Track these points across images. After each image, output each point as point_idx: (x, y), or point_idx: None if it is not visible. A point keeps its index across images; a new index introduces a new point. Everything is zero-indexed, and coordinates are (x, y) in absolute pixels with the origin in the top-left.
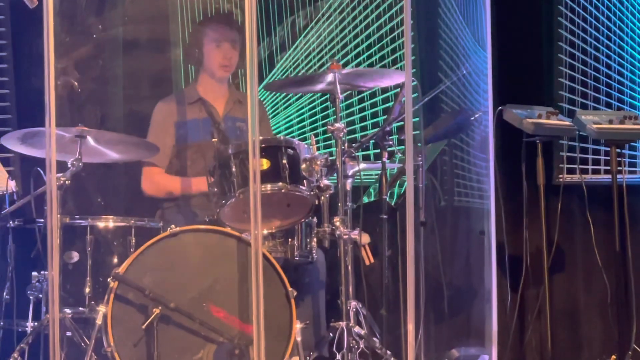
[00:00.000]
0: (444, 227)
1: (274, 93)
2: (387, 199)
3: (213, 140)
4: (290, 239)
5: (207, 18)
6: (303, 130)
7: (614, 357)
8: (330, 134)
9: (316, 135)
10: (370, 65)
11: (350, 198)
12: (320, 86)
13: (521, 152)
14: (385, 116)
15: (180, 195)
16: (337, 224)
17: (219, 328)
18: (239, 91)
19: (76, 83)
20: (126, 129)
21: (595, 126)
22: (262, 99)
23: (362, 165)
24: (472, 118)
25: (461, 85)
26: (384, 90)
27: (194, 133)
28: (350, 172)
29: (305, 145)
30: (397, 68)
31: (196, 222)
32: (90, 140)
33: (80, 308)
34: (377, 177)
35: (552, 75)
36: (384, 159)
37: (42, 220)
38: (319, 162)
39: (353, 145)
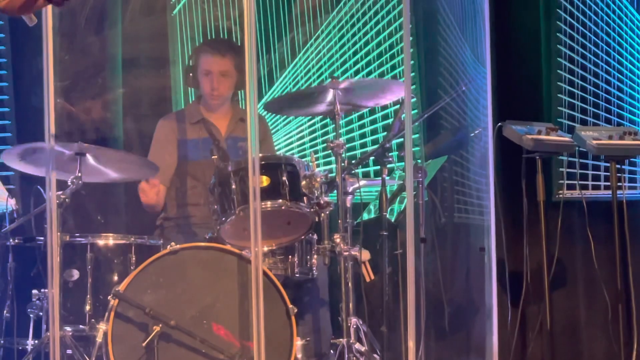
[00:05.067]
0: (444, 244)
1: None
2: (387, 216)
3: (213, 157)
4: (290, 256)
5: (202, 44)
6: (303, 147)
7: None
8: (330, 151)
9: (316, 152)
10: None
11: (351, 215)
12: (320, 107)
13: (521, 168)
14: (385, 133)
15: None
16: (338, 240)
17: (219, 346)
18: (243, 109)
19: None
20: (126, 148)
21: (595, 142)
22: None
23: (362, 182)
24: (472, 134)
25: (461, 101)
26: (384, 107)
27: (194, 152)
28: (350, 189)
29: (305, 162)
30: None
31: (196, 239)
32: (89, 158)
33: (81, 326)
34: (377, 193)
35: (551, 91)
36: (384, 176)
37: (42, 238)
38: (318, 179)
39: (353, 162)
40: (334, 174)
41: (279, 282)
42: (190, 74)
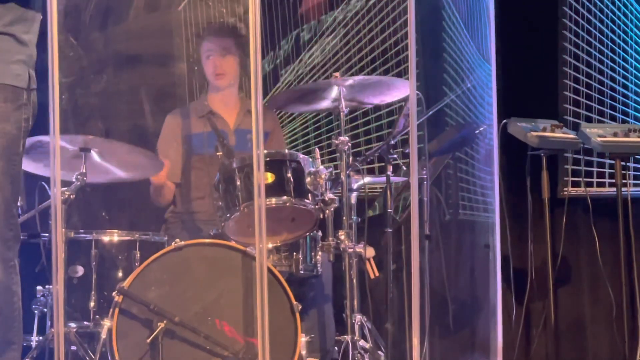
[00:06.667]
0: (449, 241)
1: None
2: (392, 213)
3: (217, 154)
4: (294, 253)
5: (203, 32)
6: (307, 144)
7: None
8: (334, 148)
9: (320, 148)
10: None
11: (355, 212)
12: (324, 103)
13: (526, 166)
14: (390, 130)
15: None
16: (342, 237)
17: (223, 342)
18: (250, 101)
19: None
20: (131, 144)
21: (600, 139)
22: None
23: (367, 179)
24: (477, 131)
25: (466, 98)
26: (389, 103)
27: (199, 146)
28: (355, 186)
29: (310, 159)
30: None
31: (201, 236)
32: (94, 155)
33: (85, 322)
34: (381, 190)
35: (556, 88)
36: (389, 173)
37: (46, 234)
38: (323, 176)
39: (358, 158)
40: (338, 171)
41: (284, 278)
42: (196, 66)
